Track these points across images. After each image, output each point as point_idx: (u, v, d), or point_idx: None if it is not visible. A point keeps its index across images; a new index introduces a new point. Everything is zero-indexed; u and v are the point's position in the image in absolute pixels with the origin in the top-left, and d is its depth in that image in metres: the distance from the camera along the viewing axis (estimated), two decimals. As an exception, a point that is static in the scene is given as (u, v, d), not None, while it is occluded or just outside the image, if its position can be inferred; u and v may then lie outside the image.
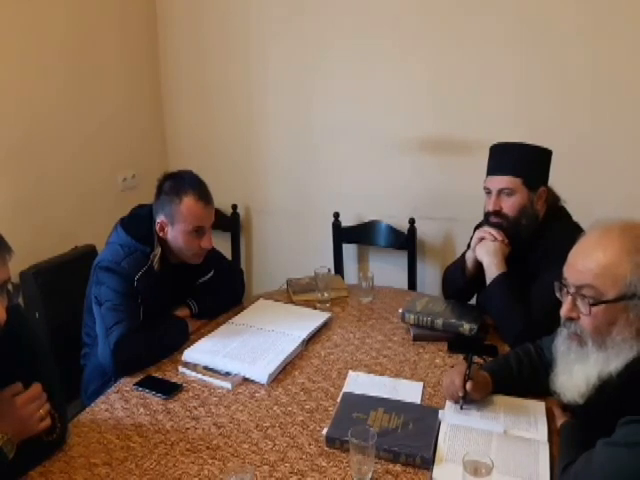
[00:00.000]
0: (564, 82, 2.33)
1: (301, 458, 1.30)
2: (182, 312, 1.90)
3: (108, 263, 1.74)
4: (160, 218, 1.79)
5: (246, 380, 1.62)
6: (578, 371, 1.15)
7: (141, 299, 1.75)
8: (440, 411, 1.40)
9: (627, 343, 1.08)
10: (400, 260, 2.71)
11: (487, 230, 1.84)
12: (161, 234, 1.80)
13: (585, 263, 1.11)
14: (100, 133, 2.64)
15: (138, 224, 1.83)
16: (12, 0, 2.18)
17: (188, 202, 1.76)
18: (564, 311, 1.16)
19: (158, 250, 1.80)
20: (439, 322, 1.81)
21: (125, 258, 1.75)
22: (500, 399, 1.46)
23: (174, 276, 1.87)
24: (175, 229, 1.78)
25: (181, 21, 2.92)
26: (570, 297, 1.15)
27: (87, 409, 1.51)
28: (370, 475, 1.22)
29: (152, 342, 1.72)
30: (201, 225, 1.79)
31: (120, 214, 1.90)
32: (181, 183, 1.79)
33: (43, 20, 2.32)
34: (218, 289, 2.02)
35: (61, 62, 2.43)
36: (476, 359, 1.50)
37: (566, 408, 1.31)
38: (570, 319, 1.16)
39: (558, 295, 1.22)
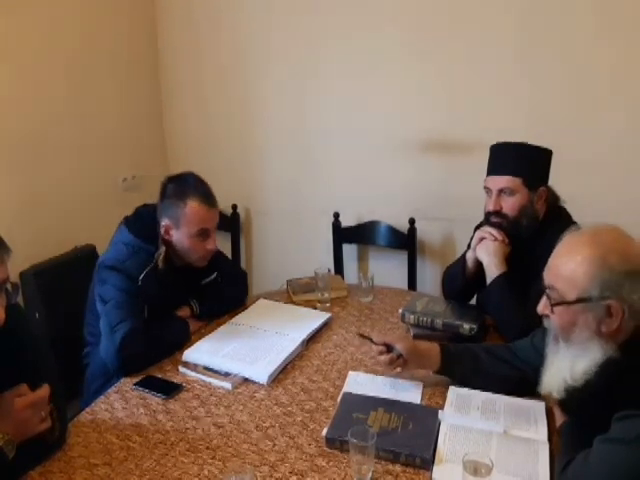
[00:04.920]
0: (564, 82, 2.33)
1: (301, 458, 1.30)
2: (183, 312, 1.90)
3: (112, 262, 1.75)
4: (165, 221, 1.79)
5: (246, 380, 1.62)
6: (554, 365, 1.23)
7: (145, 298, 1.75)
8: (440, 411, 1.40)
9: (591, 342, 1.14)
10: (400, 260, 2.71)
11: (487, 230, 1.83)
12: (166, 237, 1.80)
13: (554, 266, 1.20)
14: (100, 134, 2.65)
15: (142, 223, 1.83)
16: (12, 7, 2.18)
17: (192, 205, 1.76)
18: (539, 307, 1.25)
19: (162, 249, 1.80)
20: (439, 322, 1.80)
21: (129, 257, 1.75)
22: (500, 399, 1.46)
23: (178, 277, 1.87)
24: (180, 232, 1.78)
25: (180, 23, 2.92)
26: (545, 295, 1.23)
27: (87, 409, 1.51)
28: (370, 475, 1.22)
29: (155, 341, 1.72)
30: (206, 227, 1.80)
31: (120, 214, 1.90)
32: (185, 186, 1.79)
33: (43, 23, 2.32)
34: (221, 292, 2.02)
35: (61, 64, 2.43)
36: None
37: (562, 408, 1.32)
38: (545, 315, 1.24)
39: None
